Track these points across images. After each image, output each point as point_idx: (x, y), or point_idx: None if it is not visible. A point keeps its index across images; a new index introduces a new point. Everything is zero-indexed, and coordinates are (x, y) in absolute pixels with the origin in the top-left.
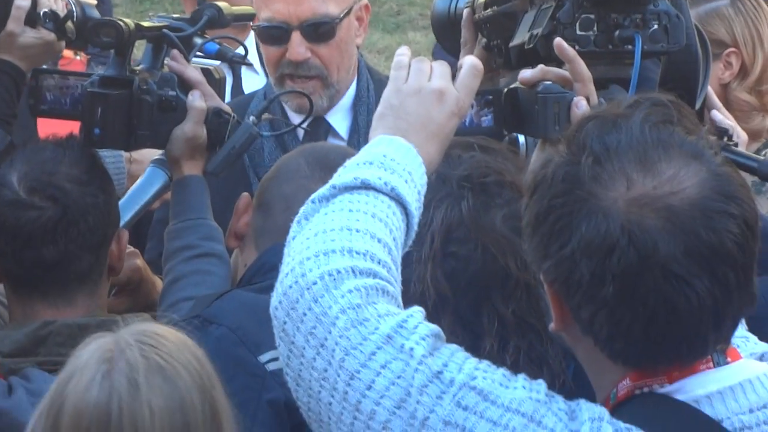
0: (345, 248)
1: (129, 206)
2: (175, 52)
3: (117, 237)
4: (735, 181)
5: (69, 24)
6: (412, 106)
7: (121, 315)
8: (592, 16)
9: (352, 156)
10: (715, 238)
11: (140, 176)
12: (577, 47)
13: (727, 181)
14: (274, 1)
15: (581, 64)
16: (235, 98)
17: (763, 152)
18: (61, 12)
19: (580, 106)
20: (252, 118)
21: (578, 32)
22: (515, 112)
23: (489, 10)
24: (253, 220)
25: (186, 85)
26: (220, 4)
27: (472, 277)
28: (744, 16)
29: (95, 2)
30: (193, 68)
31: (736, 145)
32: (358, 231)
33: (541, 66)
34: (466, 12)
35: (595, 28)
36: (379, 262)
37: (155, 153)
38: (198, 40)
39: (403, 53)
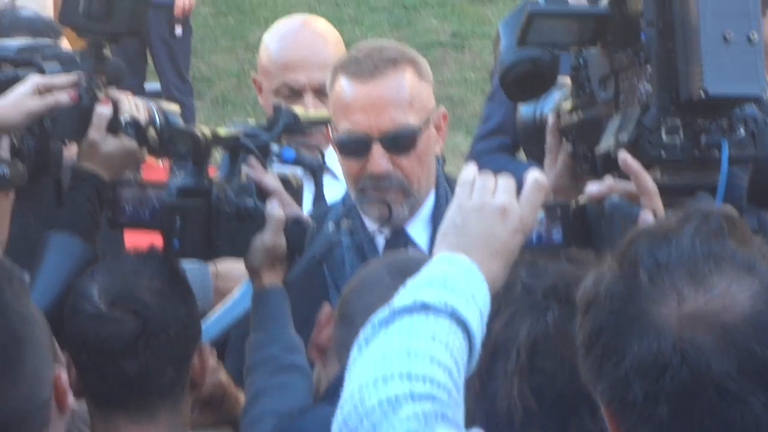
0: (403, 373)
1: (220, 321)
2: (252, 159)
3: (199, 351)
4: None
5: (151, 132)
6: (475, 224)
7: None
8: (678, 122)
9: None
10: None
11: (226, 292)
12: (662, 153)
13: None
14: (353, 111)
15: (646, 178)
16: (315, 208)
17: None
18: (144, 120)
19: (647, 221)
20: (331, 224)
21: (664, 138)
22: (584, 228)
23: (574, 115)
24: (335, 332)
25: (264, 194)
26: (297, 109)
27: (559, 393)
28: None
29: (179, 110)
30: (270, 176)
31: None
32: (416, 354)
33: (608, 181)
34: (551, 118)
35: (681, 134)
36: (438, 386)
37: (242, 268)
38: (275, 147)
39: (470, 170)
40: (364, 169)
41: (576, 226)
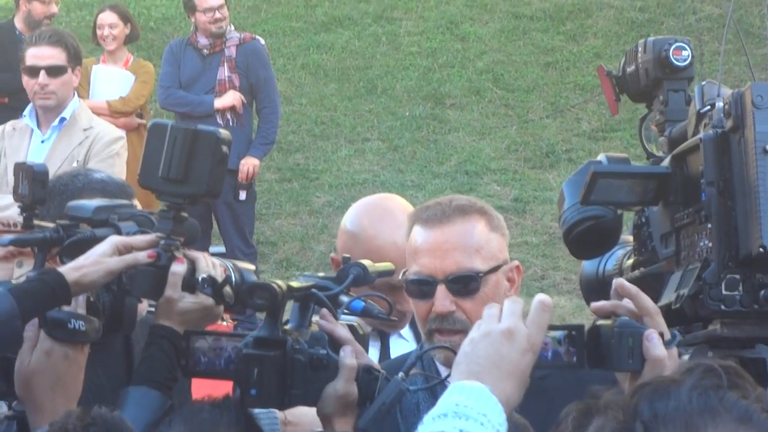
0: None
1: None
2: (324, 310)
3: None
4: None
5: (227, 289)
6: (483, 349)
7: None
8: (738, 277)
9: None
10: None
11: None
12: (722, 307)
13: None
14: (421, 255)
15: (645, 299)
16: (387, 360)
17: None
18: (220, 277)
19: (651, 338)
20: (401, 374)
21: (724, 292)
22: (597, 348)
23: (636, 271)
24: None
25: (336, 343)
26: (365, 262)
27: None
28: None
29: (254, 268)
30: (341, 326)
31: None
32: None
33: (613, 300)
34: (616, 278)
35: (740, 288)
36: None
37: (311, 415)
38: (344, 299)
39: (490, 306)
40: (431, 311)
41: (589, 347)
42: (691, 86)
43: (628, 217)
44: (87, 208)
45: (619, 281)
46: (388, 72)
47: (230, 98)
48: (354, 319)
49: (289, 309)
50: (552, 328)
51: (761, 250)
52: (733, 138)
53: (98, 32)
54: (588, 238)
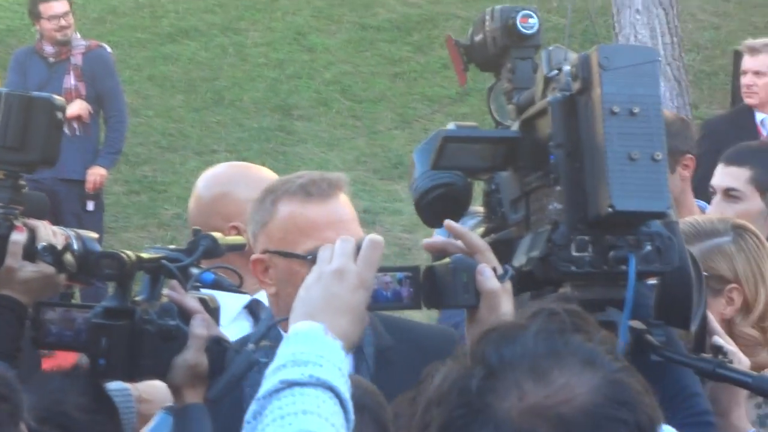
0: None
1: None
2: (173, 282)
3: None
4: (630, 387)
5: (68, 257)
6: (316, 291)
7: None
8: (587, 238)
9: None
10: None
11: (149, 414)
12: (573, 268)
13: (620, 387)
14: (322, 229)
15: (473, 236)
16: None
17: None
18: (60, 245)
19: (484, 272)
20: (251, 345)
21: (573, 253)
22: (433, 288)
23: (487, 238)
24: None
25: (186, 315)
26: (215, 234)
27: None
28: (746, 253)
29: (97, 236)
30: (191, 298)
31: (731, 362)
32: None
33: (444, 239)
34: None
35: (590, 250)
36: None
37: (164, 391)
38: (195, 271)
39: (323, 249)
40: None
41: (426, 288)
42: (538, 54)
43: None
44: None
45: (447, 222)
46: (236, 83)
47: (76, 107)
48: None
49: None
50: (387, 269)
51: (610, 210)
52: (580, 100)
53: None
54: (439, 205)
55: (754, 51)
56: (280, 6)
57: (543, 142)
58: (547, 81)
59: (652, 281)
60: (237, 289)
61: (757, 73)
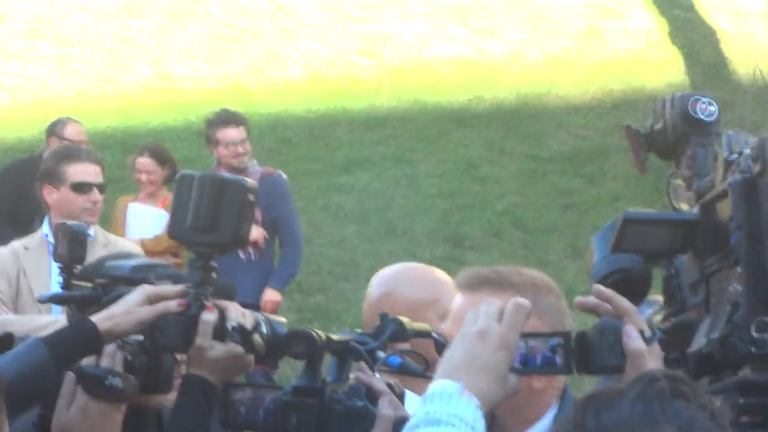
0: None
1: None
2: (362, 364)
3: None
4: None
5: (257, 338)
6: (457, 351)
7: None
8: (767, 319)
9: None
10: None
11: None
12: (753, 349)
13: None
14: None
15: (622, 299)
16: None
17: None
18: (249, 326)
19: (630, 333)
20: None
21: (754, 335)
22: (583, 352)
23: (666, 323)
24: None
25: (373, 397)
26: (402, 318)
27: None
28: None
29: (285, 321)
30: (379, 380)
31: None
32: None
33: (595, 300)
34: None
35: None
36: None
37: None
38: (381, 354)
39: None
40: None
41: (577, 351)
42: (718, 142)
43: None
44: (125, 267)
45: (596, 286)
46: (408, 214)
47: (252, 233)
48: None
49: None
50: (538, 335)
51: None
52: (760, 182)
53: (136, 175)
54: (618, 290)
55: None
56: (453, 138)
57: (723, 225)
58: (728, 165)
59: None
60: (423, 373)
61: None
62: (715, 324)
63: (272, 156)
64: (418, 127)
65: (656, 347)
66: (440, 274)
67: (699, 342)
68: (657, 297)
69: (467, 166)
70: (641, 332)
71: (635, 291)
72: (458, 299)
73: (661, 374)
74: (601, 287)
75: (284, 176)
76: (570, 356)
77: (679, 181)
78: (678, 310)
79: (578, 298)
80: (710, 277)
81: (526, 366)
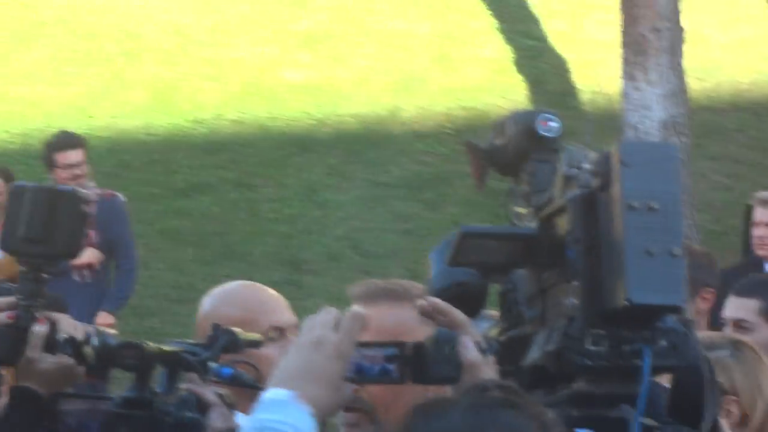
0: None
1: None
2: (192, 375)
3: None
4: None
5: (88, 349)
6: (293, 360)
7: None
8: (602, 332)
9: None
10: None
11: None
12: (587, 362)
13: None
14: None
15: (456, 312)
16: None
17: None
18: (81, 338)
19: (466, 344)
20: None
21: (588, 347)
22: (420, 363)
23: (503, 337)
24: None
25: (204, 407)
26: (235, 330)
27: None
28: (744, 366)
29: (116, 333)
30: (209, 391)
31: None
32: None
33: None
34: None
35: (605, 344)
36: None
37: None
38: (213, 365)
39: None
40: None
41: (414, 362)
42: (558, 158)
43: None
44: None
45: (430, 298)
46: (247, 238)
47: (87, 255)
48: None
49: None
50: (375, 344)
51: (626, 303)
52: (600, 196)
53: None
54: (454, 304)
55: (766, 203)
56: (293, 163)
57: (561, 239)
58: (567, 180)
59: (667, 384)
60: (256, 384)
61: None
62: (550, 337)
63: (111, 179)
64: (260, 151)
65: (491, 359)
66: (266, 294)
67: (534, 354)
68: (492, 312)
69: (308, 191)
70: (477, 344)
71: (471, 305)
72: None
73: (492, 384)
74: (437, 300)
75: (122, 198)
76: (405, 366)
77: (520, 209)
78: (514, 324)
79: (420, 301)
80: (547, 291)
81: (361, 375)
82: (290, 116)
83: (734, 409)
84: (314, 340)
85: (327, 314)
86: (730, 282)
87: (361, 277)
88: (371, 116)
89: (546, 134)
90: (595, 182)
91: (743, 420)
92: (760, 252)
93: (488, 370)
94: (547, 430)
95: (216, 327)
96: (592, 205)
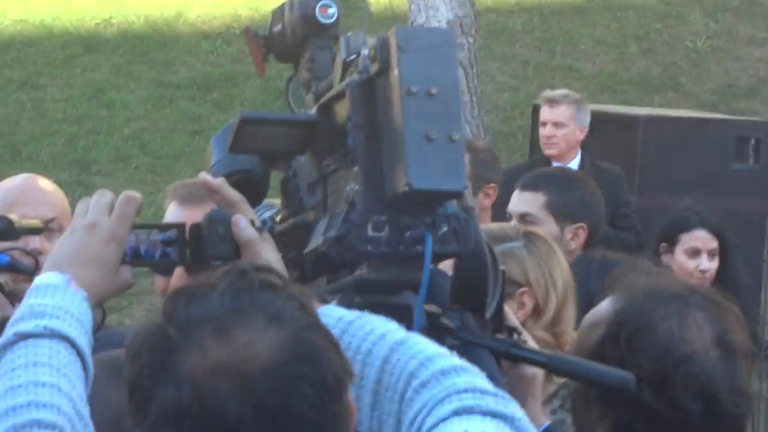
0: (6, 409)
1: None
2: None
3: None
4: (315, 343)
5: None
6: (66, 244)
7: None
8: (384, 218)
9: None
10: (283, 400)
11: None
12: (369, 248)
13: (305, 344)
14: None
15: (229, 190)
16: None
17: (560, 394)
18: None
19: (240, 223)
20: None
21: (370, 233)
22: (198, 244)
23: (285, 223)
24: None
25: None
26: (11, 216)
27: None
28: (537, 258)
29: None
30: None
31: (525, 342)
32: (19, 386)
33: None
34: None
35: (386, 230)
36: (44, 406)
37: None
38: None
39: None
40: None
41: (192, 245)
42: (338, 45)
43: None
44: None
45: (202, 176)
46: (34, 138)
47: None
48: None
49: None
50: (155, 226)
51: (407, 188)
52: (378, 82)
53: None
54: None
55: (553, 102)
56: (79, 63)
57: (341, 126)
58: (346, 66)
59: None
60: (33, 271)
61: (556, 124)
62: (332, 223)
63: None
64: (45, 51)
65: (267, 235)
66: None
67: (316, 241)
68: (274, 200)
69: (95, 92)
70: (251, 222)
71: (255, 192)
72: (177, 212)
73: (249, 266)
74: (209, 177)
75: None
76: (184, 248)
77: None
78: (296, 211)
79: (202, 175)
80: (328, 177)
81: (138, 258)
82: (74, 14)
83: (527, 301)
84: (87, 224)
85: (101, 197)
86: (516, 180)
87: (149, 178)
88: (156, 15)
89: (325, 21)
90: (373, 68)
91: (537, 311)
92: (549, 152)
93: (267, 247)
94: (306, 310)
95: None
96: (371, 92)
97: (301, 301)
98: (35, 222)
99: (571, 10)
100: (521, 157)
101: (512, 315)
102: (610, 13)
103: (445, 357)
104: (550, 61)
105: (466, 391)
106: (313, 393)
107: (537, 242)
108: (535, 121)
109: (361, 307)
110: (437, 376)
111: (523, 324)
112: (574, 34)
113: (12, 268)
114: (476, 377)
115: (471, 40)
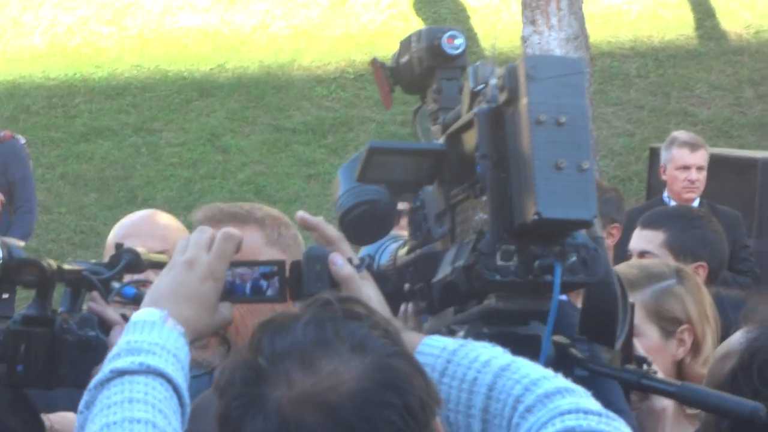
0: None
1: None
2: (95, 294)
3: None
4: (400, 370)
5: None
6: (165, 280)
7: None
8: (512, 248)
9: None
10: (369, 427)
11: None
12: (497, 277)
13: (389, 371)
14: None
15: (327, 227)
16: None
17: None
18: None
19: (336, 261)
20: None
21: (498, 263)
22: (296, 281)
23: (412, 253)
24: None
25: (106, 327)
26: (138, 249)
27: None
28: (692, 294)
29: (23, 244)
30: (112, 310)
31: (655, 373)
32: (115, 423)
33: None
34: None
35: (515, 259)
36: None
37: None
38: (116, 284)
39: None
40: None
41: (291, 281)
42: (464, 75)
43: None
44: None
45: (300, 214)
46: (149, 182)
47: None
48: None
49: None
50: (253, 263)
51: (536, 217)
52: (507, 111)
53: None
54: (363, 222)
55: (694, 147)
56: (194, 107)
57: (469, 155)
58: (474, 95)
59: (578, 305)
60: None
61: (699, 168)
62: (460, 253)
63: (10, 123)
64: (160, 96)
65: (366, 273)
66: (171, 221)
67: (444, 271)
68: (402, 232)
69: (209, 136)
70: (349, 259)
71: (382, 222)
72: None
73: (333, 297)
74: (306, 215)
75: (22, 140)
76: (284, 285)
77: (429, 127)
78: (423, 242)
79: (300, 215)
80: (456, 207)
81: (233, 294)
82: (189, 60)
83: (687, 338)
84: (186, 260)
85: (200, 234)
86: (635, 221)
87: None
88: (271, 61)
89: (450, 51)
90: (501, 97)
91: (695, 348)
92: (688, 195)
93: (366, 285)
94: (391, 338)
95: (119, 247)
96: (499, 120)
97: (386, 330)
98: (163, 256)
99: (686, 55)
100: (637, 202)
101: (640, 347)
102: (725, 57)
103: (549, 379)
104: (665, 106)
105: (569, 412)
106: (399, 419)
107: (688, 278)
108: (653, 165)
109: (489, 338)
110: (542, 400)
111: (682, 361)
112: (689, 78)
113: (137, 301)
114: (581, 397)
115: (585, 84)
